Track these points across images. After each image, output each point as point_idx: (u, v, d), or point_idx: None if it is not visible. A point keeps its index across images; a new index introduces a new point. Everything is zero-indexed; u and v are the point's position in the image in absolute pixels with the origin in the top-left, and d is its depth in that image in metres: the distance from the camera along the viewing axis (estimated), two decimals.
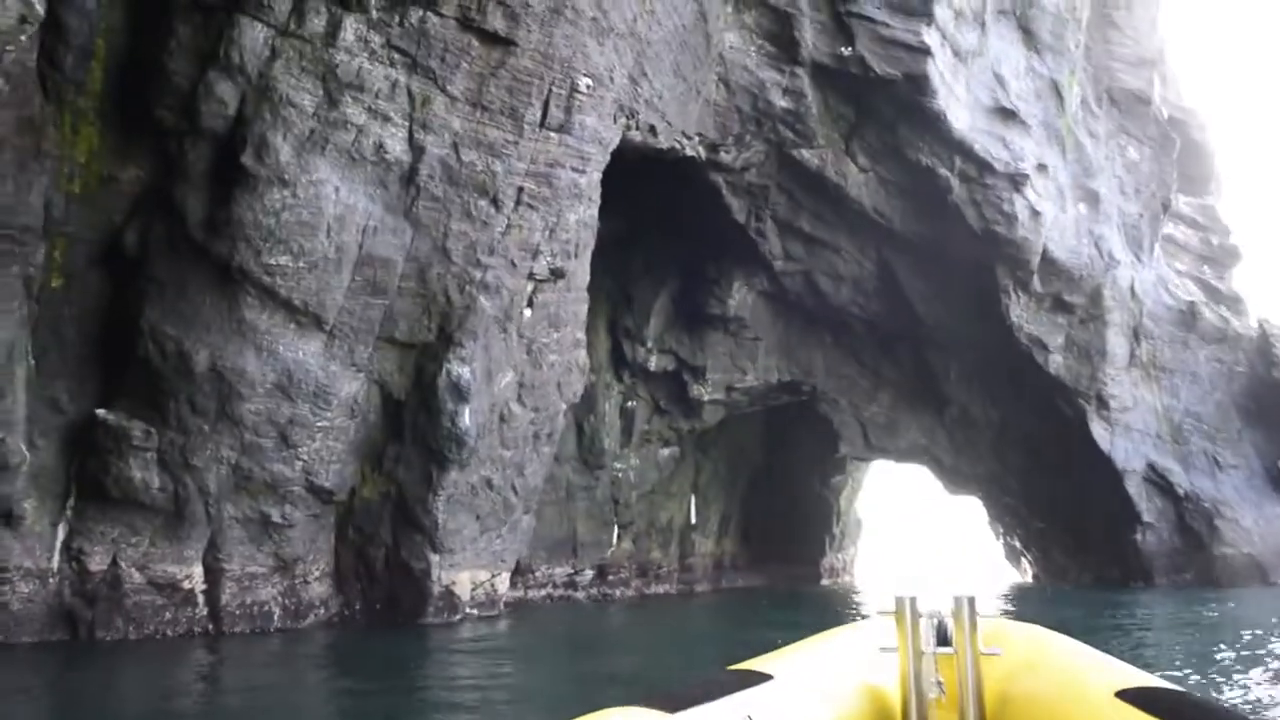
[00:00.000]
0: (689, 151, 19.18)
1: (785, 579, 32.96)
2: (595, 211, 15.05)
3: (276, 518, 12.27)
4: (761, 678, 2.49)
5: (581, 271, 15.07)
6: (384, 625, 12.90)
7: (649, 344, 25.61)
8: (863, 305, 23.95)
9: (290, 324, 12.05)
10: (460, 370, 12.97)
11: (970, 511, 35.16)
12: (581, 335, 15.48)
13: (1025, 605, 18.69)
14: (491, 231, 13.23)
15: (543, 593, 24.99)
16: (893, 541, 47.96)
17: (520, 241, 13.60)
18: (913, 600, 2.78)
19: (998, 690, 2.65)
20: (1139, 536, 21.85)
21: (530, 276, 13.96)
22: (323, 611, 12.96)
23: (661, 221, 24.59)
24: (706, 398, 25.79)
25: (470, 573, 13.54)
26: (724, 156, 20.11)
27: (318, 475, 12.46)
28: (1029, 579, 29.65)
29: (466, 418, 12.92)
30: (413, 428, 13.02)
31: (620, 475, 26.66)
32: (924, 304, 23.09)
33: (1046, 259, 20.99)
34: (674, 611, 20.94)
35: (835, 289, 23.77)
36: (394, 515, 13.01)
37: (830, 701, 2.57)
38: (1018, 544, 30.85)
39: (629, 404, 26.43)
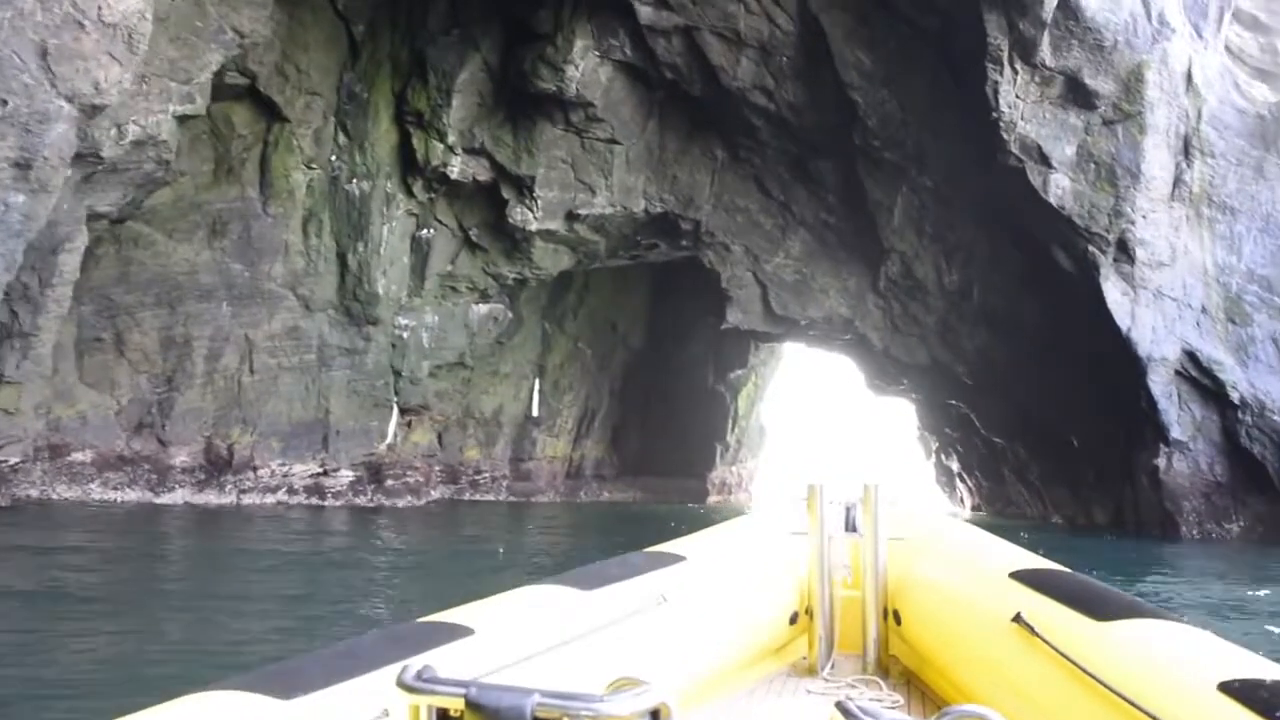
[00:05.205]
0: None
1: (663, 494, 25.98)
2: None
3: None
4: (675, 559, 2.66)
5: None
6: None
7: (450, 139, 16.85)
8: (772, 92, 15.64)
9: None
10: None
11: (900, 420, 28.13)
12: None
13: None
14: None
15: (271, 499, 16.75)
16: (802, 454, 41.18)
17: None
18: (823, 488, 2.96)
19: (899, 572, 2.89)
20: (1161, 462, 14.26)
21: None
22: None
23: None
24: (535, 225, 17.30)
25: None
26: None
27: None
28: (966, 511, 22.65)
29: None
30: None
31: (406, 336, 18.19)
32: (866, 90, 14.87)
33: (1067, 7, 12.85)
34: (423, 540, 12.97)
35: (732, 61, 15.35)
36: None
37: (741, 581, 2.77)
38: (956, 465, 23.59)
39: (423, 231, 17.80)
